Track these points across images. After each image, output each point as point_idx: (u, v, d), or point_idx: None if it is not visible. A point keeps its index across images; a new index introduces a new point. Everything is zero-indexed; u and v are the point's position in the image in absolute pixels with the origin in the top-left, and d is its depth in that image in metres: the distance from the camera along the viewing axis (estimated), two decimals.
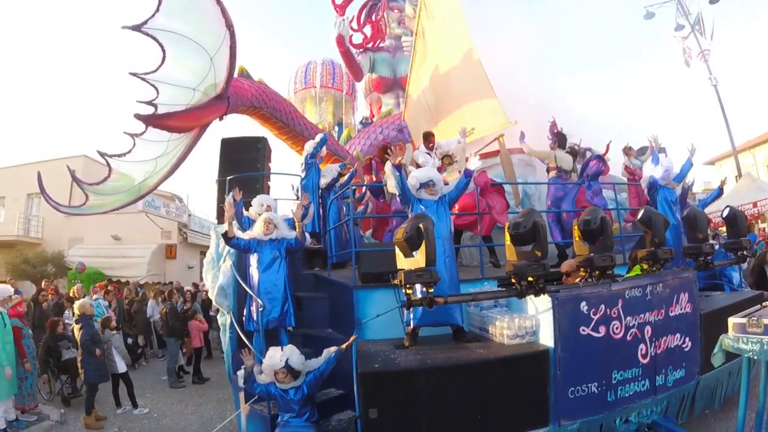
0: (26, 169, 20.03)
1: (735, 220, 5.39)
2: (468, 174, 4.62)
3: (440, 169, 6.19)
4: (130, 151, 7.95)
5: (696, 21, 14.23)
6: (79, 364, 6.38)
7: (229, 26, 7.30)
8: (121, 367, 6.88)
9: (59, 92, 73.20)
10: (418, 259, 3.23)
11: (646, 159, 6.61)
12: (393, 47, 15.79)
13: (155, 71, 7.28)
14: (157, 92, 7.35)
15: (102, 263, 16.82)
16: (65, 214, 8.17)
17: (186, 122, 7.89)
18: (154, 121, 7.36)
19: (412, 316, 4.22)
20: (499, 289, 3.73)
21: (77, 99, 74.73)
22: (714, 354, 3.11)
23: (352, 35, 15.24)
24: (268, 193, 7.47)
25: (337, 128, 16.40)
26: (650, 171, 6.41)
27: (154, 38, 6.95)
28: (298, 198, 8.56)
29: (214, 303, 5.80)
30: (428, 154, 6.58)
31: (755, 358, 2.87)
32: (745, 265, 6.95)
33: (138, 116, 7.12)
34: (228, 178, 6.92)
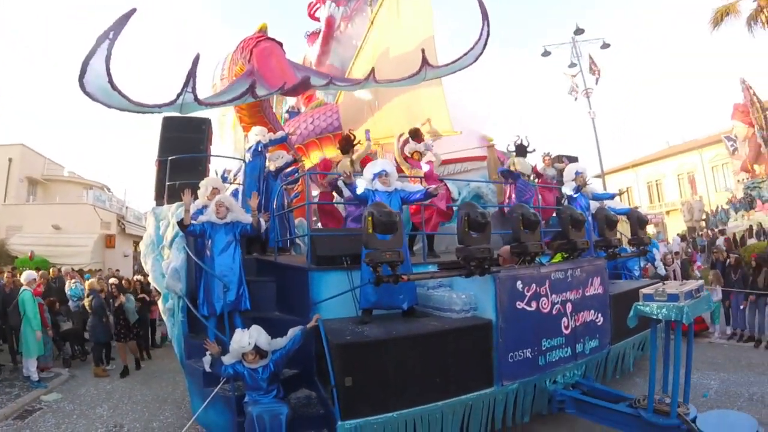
0: None
1: (638, 221, 6.38)
2: (427, 195, 4.93)
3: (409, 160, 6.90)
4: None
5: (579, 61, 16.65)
6: (88, 328, 8.15)
7: None
8: None
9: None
10: (388, 242, 3.58)
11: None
12: (341, 40, 15.65)
13: None
14: None
15: (46, 251, 16.86)
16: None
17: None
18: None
19: (360, 297, 4.57)
20: (452, 269, 4.18)
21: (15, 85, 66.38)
22: (629, 317, 3.81)
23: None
24: (208, 176, 7.28)
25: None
26: (567, 188, 7.85)
27: None
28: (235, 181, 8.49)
29: (163, 286, 5.62)
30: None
31: (661, 318, 3.58)
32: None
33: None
34: (169, 158, 6.70)
